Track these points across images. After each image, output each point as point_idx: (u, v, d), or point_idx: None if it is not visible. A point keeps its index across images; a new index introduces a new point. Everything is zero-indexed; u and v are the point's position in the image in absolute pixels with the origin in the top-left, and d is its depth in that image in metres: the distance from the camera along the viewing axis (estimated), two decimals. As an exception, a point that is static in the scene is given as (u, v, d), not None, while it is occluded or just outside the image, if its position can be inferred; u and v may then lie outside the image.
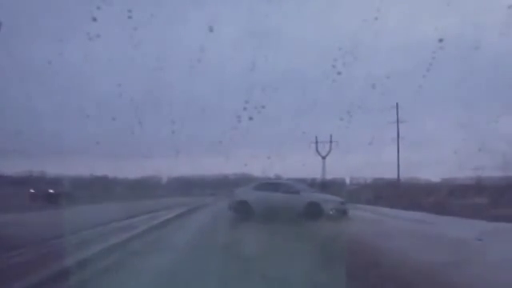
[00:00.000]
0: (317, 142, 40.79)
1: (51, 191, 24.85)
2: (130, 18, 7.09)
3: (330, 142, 40.04)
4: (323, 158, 41.28)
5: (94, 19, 6.82)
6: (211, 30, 8.10)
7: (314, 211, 15.08)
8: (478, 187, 23.63)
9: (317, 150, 41.00)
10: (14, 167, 39.91)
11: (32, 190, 26.19)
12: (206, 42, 9.47)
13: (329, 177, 42.31)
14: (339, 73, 7.93)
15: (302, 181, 25.22)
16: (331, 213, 15.27)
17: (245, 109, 7.99)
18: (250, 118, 7.96)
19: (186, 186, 49.89)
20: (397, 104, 36.29)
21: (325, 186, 35.18)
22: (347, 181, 47.31)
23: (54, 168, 41.89)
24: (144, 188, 47.55)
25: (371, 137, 42.11)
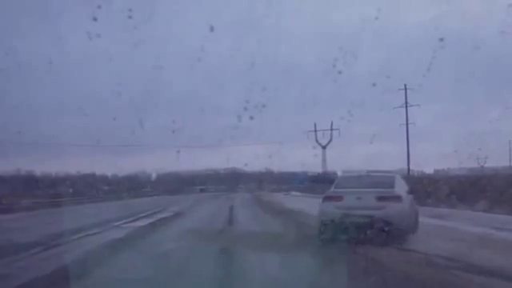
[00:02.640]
0: (316, 131, 37.49)
1: None
2: (130, 17, 7.09)
3: (331, 129, 37.12)
4: (323, 147, 37.80)
5: (95, 19, 6.78)
6: (211, 29, 8.24)
7: None
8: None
9: (316, 140, 37.35)
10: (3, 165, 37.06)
11: None
12: (205, 41, 11.17)
13: (320, 171, 38.98)
14: (340, 72, 7.73)
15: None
16: None
17: (245, 108, 7.85)
18: (251, 118, 7.80)
19: (175, 182, 46.53)
20: (405, 85, 34.41)
21: (327, 179, 29.88)
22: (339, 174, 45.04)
23: (45, 166, 38.97)
24: (129, 185, 42.94)
25: (370, 131, 39.89)
